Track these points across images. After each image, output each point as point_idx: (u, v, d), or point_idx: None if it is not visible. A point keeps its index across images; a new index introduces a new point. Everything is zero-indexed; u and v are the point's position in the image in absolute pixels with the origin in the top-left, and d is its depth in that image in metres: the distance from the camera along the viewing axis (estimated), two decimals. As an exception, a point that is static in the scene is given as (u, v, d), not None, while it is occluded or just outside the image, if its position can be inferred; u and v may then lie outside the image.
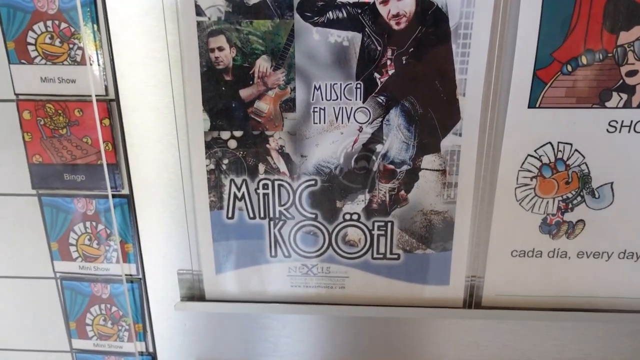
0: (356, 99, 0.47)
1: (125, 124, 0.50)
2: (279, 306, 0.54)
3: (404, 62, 0.45)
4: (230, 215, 0.52)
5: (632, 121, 0.45)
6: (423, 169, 0.49)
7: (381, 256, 0.52)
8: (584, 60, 0.44)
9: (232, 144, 0.49)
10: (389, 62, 0.46)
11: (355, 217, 0.51)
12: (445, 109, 0.47)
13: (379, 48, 0.45)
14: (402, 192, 0.50)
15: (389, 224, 0.51)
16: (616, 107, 0.45)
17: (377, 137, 0.48)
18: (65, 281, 0.58)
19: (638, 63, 0.43)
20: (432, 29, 0.44)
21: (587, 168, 0.47)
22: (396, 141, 0.48)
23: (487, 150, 0.48)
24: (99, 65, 0.48)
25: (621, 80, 0.44)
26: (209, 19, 0.45)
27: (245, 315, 0.55)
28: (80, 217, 0.54)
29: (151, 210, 0.53)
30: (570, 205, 0.49)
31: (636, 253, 0.50)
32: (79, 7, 0.46)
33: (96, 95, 0.49)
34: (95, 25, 0.47)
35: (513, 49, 0.44)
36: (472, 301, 0.53)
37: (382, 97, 0.47)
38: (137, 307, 0.57)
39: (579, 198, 0.49)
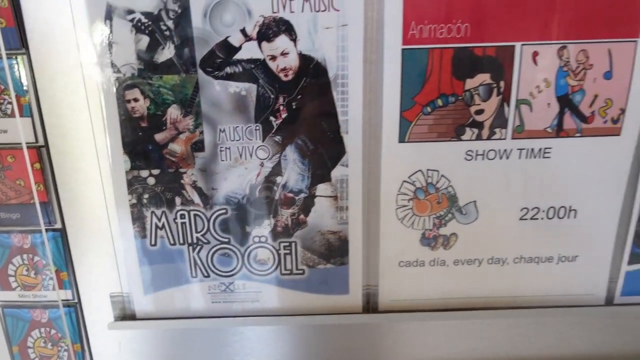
0: (256, 139, 0.53)
1: (55, 166, 0.55)
2: (202, 321, 0.60)
3: (294, 107, 0.52)
4: (153, 242, 0.57)
5: (484, 150, 0.53)
6: (318, 195, 0.56)
7: (289, 272, 0.58)
8: (439, 102, 0.52)
9: (151, 180, 0.55)
10: (281, 107, 0.52)
11: (263, 239, 0.57)
12: (332, 145, 0.54)
13: (272, 96, 0.52)
14: (302, 216, 0.56)
15: (293, 244, 0.57)
16: (470, 140, 0.53)
17: (276, 170, 0.54)
18: (6, 309, 0.61)
19: (484, 104, 0.52)
20: (314, 79, 0.51)
21: (454, 190, 0.55)
22: (293, 173, 0.55)
23: (370, 178, 0.55)
24: (29, 116, 0.54)
25: (471, 118, 0.52)
26: (124, 75, 0.51)
27: (173, 331, 0.61)
28: (18, 251, 0.59)
29: (83, 241, 0.58)
30: (443, 221, 0.57)
31: (501, 259, 0.58)
32: (6, 68, 0.51)
33: (27, 143, 0.54)
34: (23, 82, 0.52)
35: (382, 95, 0.52)
36: (370, 307, 0.60)
37: (278, 137, 0.53)
38: (74, 328, 0.62)
39: (450, 215, 0.56)
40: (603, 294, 0.60)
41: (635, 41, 0.50)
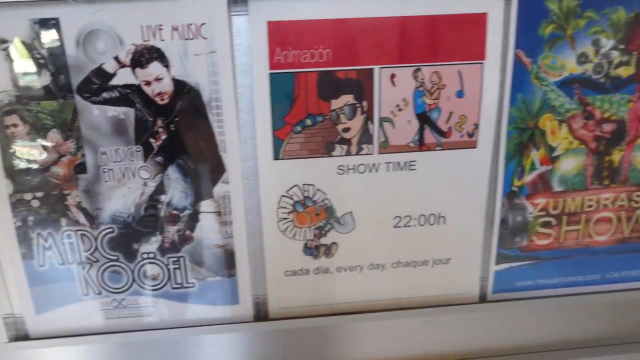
0: (138, 160, 0.55)
1: (-63, 191, 0.55)
2: (97, 337, 0.60)
3: (172, 129, 0.54)
4: (41, 263, 0.57)
5: (354, 165, 0.57)
6: (202, 212, 0.57)
7: (179, 286, 0.60)
8: (308, 122, 0.54)
9: (35, 203, 0.55)
10: (160, 129, 0.54)
11: (152, 255, 0.58)
12: (212, 163, 0.55)
13: (150, 119, 0.53)
14: (188, 232, 0.58)
15: (182, 259, 0.59)
16: (340, 156, 0.56)
17: (160, 189, 0.56)
18: None
19: (349, 122, 0.55)
20: (190, 102, 0.53)
21: (330, 202, 0.58)
22: (176, 191, 0.56)
23: (250, 194, 0.57)
24: None
25: (339, 136, 0.55)
26: (2, 101, 0.52)
27: (69, 349, 0.61)
28: None
29: (-29, 264, 0.57)
30: (323, 232, 0.60)
31: (381, 264, 0.62)
32: None
33: None
34: None
35: (254, 116, 0.54)
36: (260, 315, 0.63)
37: (159, 157, 0.55)
38: (-32, 351, 0.61)
39: (329, 225, 0.59)
40: (476, 292, 0.65)
41: (481, 63, 0.54)
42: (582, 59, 0.55)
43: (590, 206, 0.61)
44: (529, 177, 0.59)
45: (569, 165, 0.59)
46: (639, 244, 0.64)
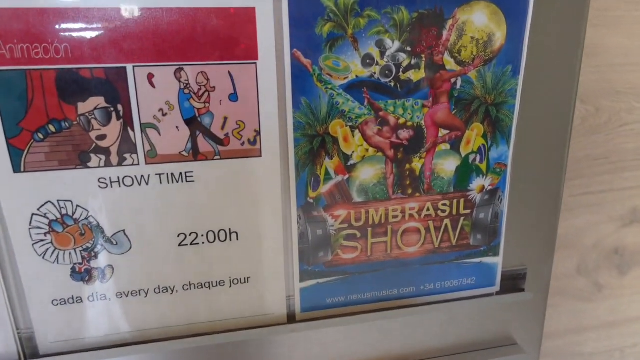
0: None
1: None
2: None
3: None
4: None
5: (118, 177, 0.48)
6: None
7: None
8: (52, 128, 0.45)
9: None
10: None
11: None
12: (-62, 178, 0.45)
13: None
14: None
15: None
16: (99, 167, 0.47)
17: None
18: None
19: (104, 128, 0.46)
20: None
21: (95, 220, 0.49)
22: None
23: (-8, 213, 0.47)
24: None
25: (95, 144, 0.47)
26: None
27: None
28: None
29: None
30: (93, 254, 0.50)
31: (169, 287, 0.54)
32: None
33: None
34: None
35: (-18, 121, 0.44)
36: (28, 353, 0.52)
37: None
38: None
39: (99, 246, 0.50)
40: (284, 312, 0.58)
41: (254, 63, 0.47)
42: (368, 60, 0.49)
43: (395, 217, 0.56)
44: (325, 188, 0.53)
45: (367, 174, 0.54)
46: (451, 253, 0.60)
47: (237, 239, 0.53)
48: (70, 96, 0.44)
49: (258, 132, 0.49)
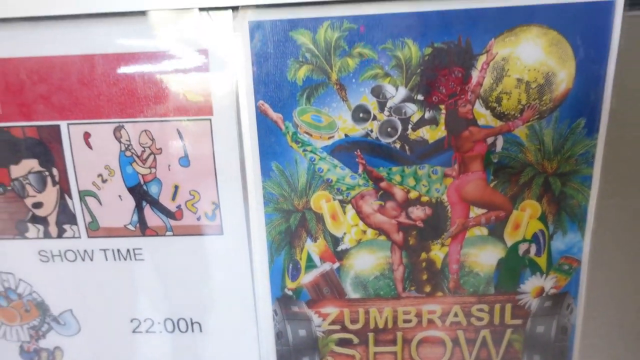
0: None
1: None
2: None
3: None
4: None
5: (59, 251, 0.39)
6: None
7: None
8: (-15, 193, 0.38)
9: None
10: None
11: None
12: None
13: None
14: None
15: None
16: (38, 238, 0.39)
17: None
18: None
19: (40, 195, 0.37)
20: None
21: (40, 296, 0.41)
22: None
23: (-62, 281, 0.41)
24: None
25: (31, 213, 0.38)
26: None
27: None
28: None
29: None
30: (40, 333, 0.42)
31: (124, 378, 0.43)
32: None
33: None
34: None
35: None
36: None
37: None
38: None
39: (46, 325, 0.41)
40: None
41: (209, 119, 0.36)
42: (361, 114, 0.35)
43: (407, 321, 0.40)
44: (307, 278, 0.39)
45: (365, 263, 0.38)
46: (493, 377, 0.41)
47: (200, 331, 0.41)
48: (2, 158, 0.37)
49: (217, 205, 0.37)
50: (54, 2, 0.32)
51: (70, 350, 0.42)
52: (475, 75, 0.33)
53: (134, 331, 0.41)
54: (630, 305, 0.38)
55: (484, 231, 0.37)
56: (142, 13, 0.33)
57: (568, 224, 0.36)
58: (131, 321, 0.40)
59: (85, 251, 0.38)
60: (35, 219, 0.38)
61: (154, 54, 0.34)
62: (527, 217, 0.36)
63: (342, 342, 0.40)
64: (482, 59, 0.33)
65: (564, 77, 0.33)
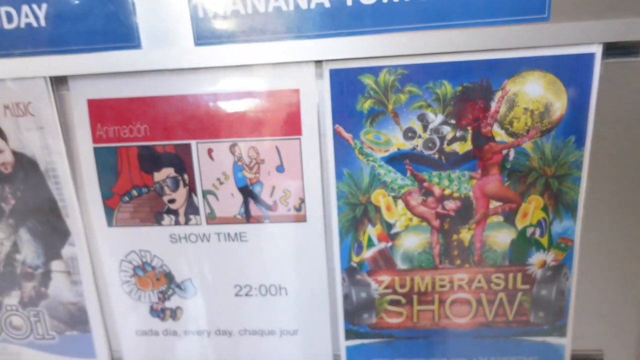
0: (-7, 222, 0.55)
1: None
2: (-27, 377, 0.61)
3: (19, 195, 0.54)
4: None
5: (185, 234, 0.52)
6: (54, 271, 0.56)
7: (41, 337, 0.58)
8: (134, 193, 0.51)
9: None
10: (9, 195, 0.54)
11: (14, 307, 0.58)
12: (57, 226, 0.54)
13: (-1, 186, 0.54)
14: (43, 288, 0.57)
15: (40, 313, 0.58)
16: (170, 225, 0.52)
17: (15, 248, 0.55)
18: None
19: (174, 194, 0.51)
20: (30, 172, 0.52)
21: (168, 268, 0.54)
22: (29, 251, 0.55)
23: (95, 257, 0.55)
24: None
25: (166, 206, 0.52)
26: None
27: (-44, 384, 0.62)
28: None
29: None
30: (166, 296, 0.56)
31: (227, 331, 0.56)
32: None
33: None
34: None
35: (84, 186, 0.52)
36: (117, 370, 0.60)
37: (11, 220, 0.55)
38: None
39: (171, 290, 0.55)
40: (331, 367, 0.57)
41: (299, 138, 0.48)
42: (410, 134, 0.47)
43: (443, 286, 0.52)
44: (368, 253, 0.51)
45: (411, 242, 0.51)
46: (507, 329, 0.53)
47: (286, 294, 0.54)
48: (147, 167, 0.50)
49: (303, 200, 0.50)
50: (194, 59, 0.45)
51: (188, 309, 0.55)
52: (493, 105, 0.45)
53: (236, 295, 0.54)
54: (611, 273, 0.50)
55: (500, 219, 0.49)
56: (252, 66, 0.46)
57: (564, 213, 0.48)
58: (234, 287, 0.54)
59: (204, 234, 0.52)
60: (169, 211, 0.51)
61: (261, 93, 0.47)
62: (532, 208, 0.48)
63: (393, 302, 0.52)
64: (499, 94, 0.45)
65: (559, 106, 0.45)
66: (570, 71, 0.44)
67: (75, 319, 0.57)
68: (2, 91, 0.49)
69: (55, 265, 0.56)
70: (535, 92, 0.45)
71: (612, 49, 0.43)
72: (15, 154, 0.52)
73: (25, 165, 0.52)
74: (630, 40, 0.43)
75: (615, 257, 0.50)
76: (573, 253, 0.50)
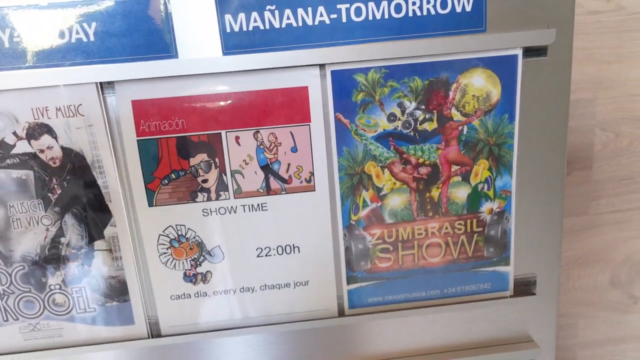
0: (40, 211, 0.62)
1: None
2: (16, 356, 0.67)
3: (65, 185, 0.62)
4: (-33, 296, 0.65)
5: (216, 208, 0.64)
6: (97, 250, 0.64)
7: (83, 310, 0.67)
8: (173, 176, 0.62)
9: (-41, 247, 0.63)
10: (55, 186, 0.62)
11: (57, 286, 0.65)
12: (101, 211, 0.63)
13: (46, 178, 0.61)
14: (86, 266, 0.65)
15: (83, 289, 0.66)
16: (203, 201, 0.63)
17: (60, 233, 0.63)
18: None
19: (206, 175, 0.62)
20: (77, 164, 0.61)
21: (200, 238, 0.65)
22: (74, 234, 0.63)
23: (135, 234, 0.64)
24: None
25: (200, 186, 0.63)
26: None
27: (-3, 365, 0.67)
28: None
29: None
30: (198, 262, 0.66)
31: (250, 287, 0.68)
32: None
33: None
34: None
35: (129, 173, 0.62)
36: (154, 333, 0.69)
37: (57, 208, 0.62)
38: None
39: (202, 257, 0.66)
40: (335, 308, 0.70)
41: (308, 125, 0.62)
42: (392, 118, 0.62)
43: (420, 234, 0.68)
44: (363, 213, 0.66)
45: (395, 201, 0.66)
46: (468, 263, 0.70)
47: (299, 252, 0.67)
48: (185, 154, 0.61)
49: (312, 174, 0.63)
50: (222, 65, 0.57)
51: (216, 272, 0.66)
52: (451, 94, 0.61)
53: (257, 256, 0.66)
54: (539, 214, 0.68)
55: (459, 179, 0.65)
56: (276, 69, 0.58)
57: (503, 172, 0.66)
58: (256, 249, 0.66)
59: (231, 207, 0.63)
60: (202, 190, 0.62)
61: (277, 90, 0.59)
62: (481, 169, 0.65)
63: (383, 250, 0.67)
64: (454, 85, 0.61)
65: (496, 93, 0.62)
66: (503, 68, 0.61)
67: (115, 290, 0.66)
68: (54, 95, 0.57)
69: (98, 244, 0.64)
70: (480, 83, 0.62)
71: (529, 52, 0.61)
72: (64, 149, 0.60)
73: (72, 158, 0.60)
74: (541, 45, 0.61)
75: (541, 202, 0.68)
76: (511, 201, 0.67)
